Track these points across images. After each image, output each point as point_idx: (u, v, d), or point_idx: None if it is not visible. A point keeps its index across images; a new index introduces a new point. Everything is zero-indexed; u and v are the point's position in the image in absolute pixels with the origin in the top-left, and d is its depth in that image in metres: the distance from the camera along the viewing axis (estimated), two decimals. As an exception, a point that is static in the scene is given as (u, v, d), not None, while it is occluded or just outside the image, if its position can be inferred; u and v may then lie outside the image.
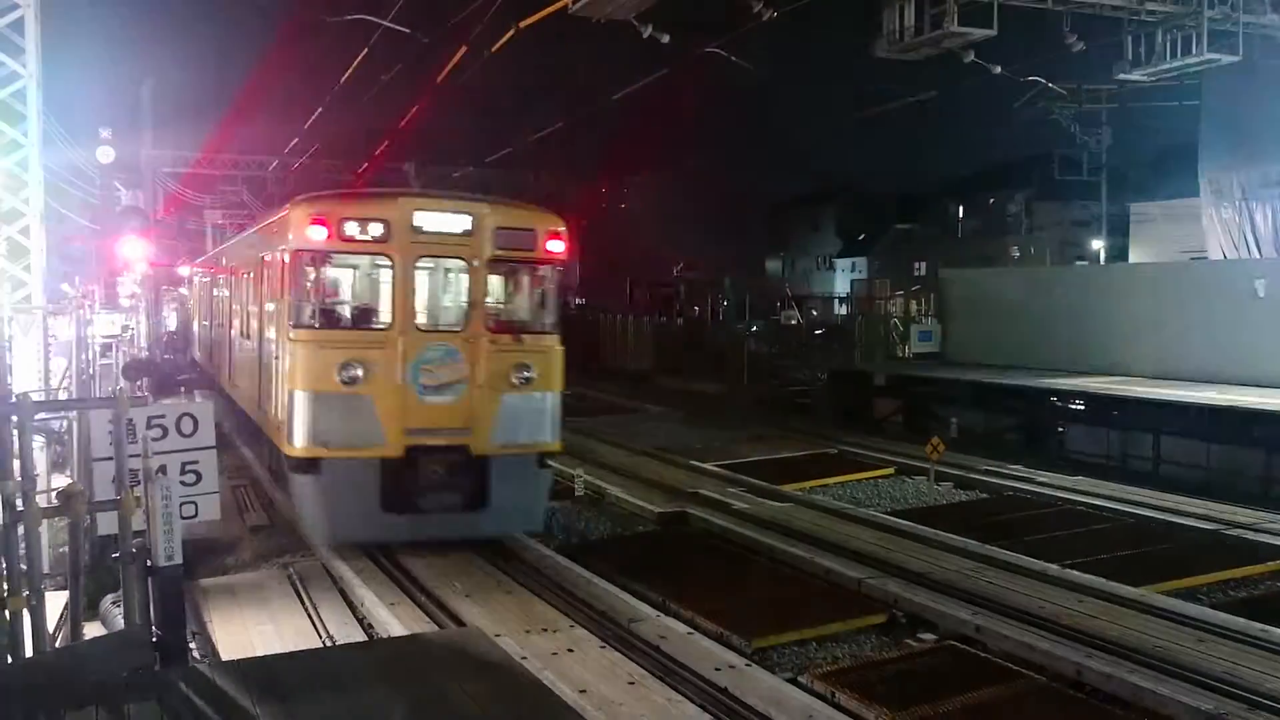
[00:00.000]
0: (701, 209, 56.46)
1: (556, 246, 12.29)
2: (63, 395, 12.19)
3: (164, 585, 4.97)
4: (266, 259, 14.03)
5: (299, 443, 11.51)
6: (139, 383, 17.56)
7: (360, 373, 11.36)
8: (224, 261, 20.94)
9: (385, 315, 11.96)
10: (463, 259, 11.97)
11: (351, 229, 11.62)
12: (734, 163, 53.68)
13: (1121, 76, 19.30)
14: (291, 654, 5.49)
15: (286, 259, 12.26)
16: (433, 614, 9.89)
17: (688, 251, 44.19)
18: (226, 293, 19.76)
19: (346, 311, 12.51)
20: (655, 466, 17.62)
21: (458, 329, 11.95)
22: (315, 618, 10.22)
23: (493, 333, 11.93)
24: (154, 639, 4.99)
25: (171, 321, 40.48)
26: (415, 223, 11.72)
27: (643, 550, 12.86)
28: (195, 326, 31.69)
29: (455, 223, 11.93)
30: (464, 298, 12.13)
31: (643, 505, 14.65)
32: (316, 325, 11.73)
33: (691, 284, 38.31)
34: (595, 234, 57.81)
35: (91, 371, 15.16)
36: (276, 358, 12.72)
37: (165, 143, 37.53)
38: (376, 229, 11.65)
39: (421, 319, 11.94)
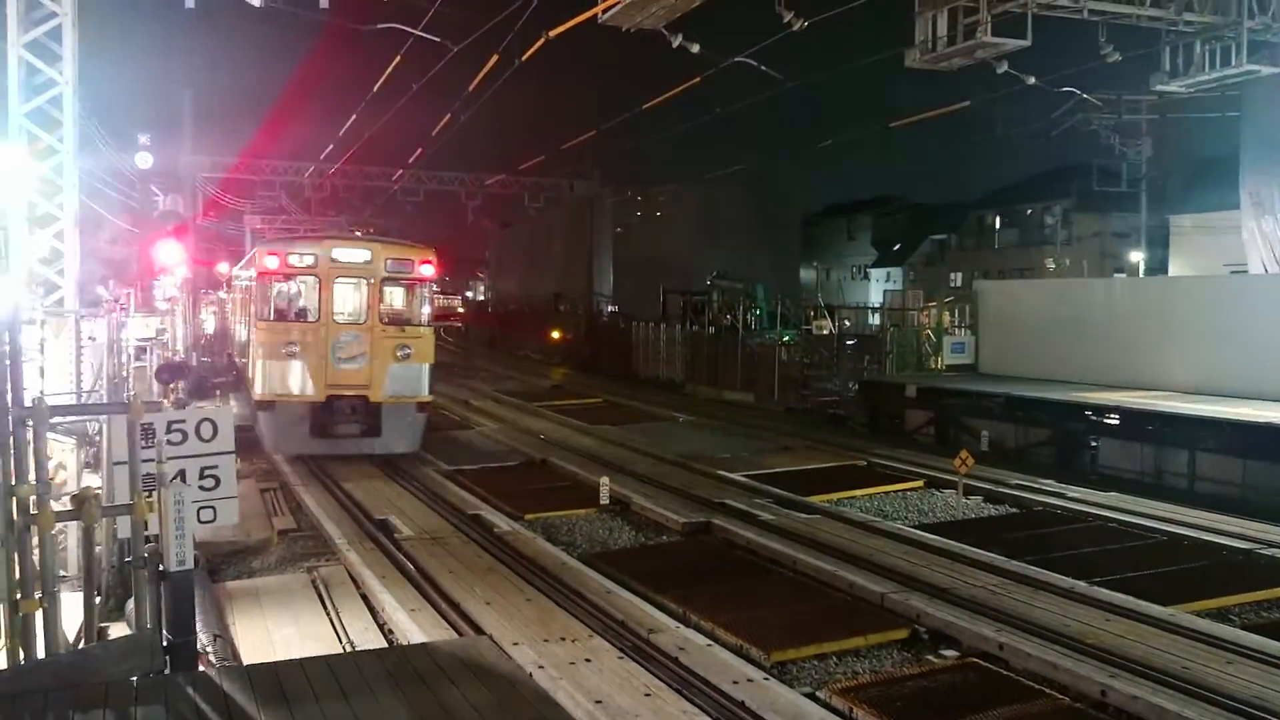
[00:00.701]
0: (736, 218, 56.29)
1: (427, 270, 18.74)
2: (95, 398, 12.33)
3: (175, 590, 4.99)
4: (251, 278, 20.78)
5: (261, 391, 18.01)
6: (173, 385, 17.73)
7: (298, 348, 17.64)
8: (239, 278, 27.61)
9: (314, 313, 18.19)
10: (364, 278, 18.25)
11: (294, 260, 18.32)
12: (768, 172, 53.34)
13: (1159, 88, 19.00)
14: (300, 660, 5.50)
15: (256, 278, 19.00)
16: (453, 621, 9.90)
17: (721, 260, 44.03)
18: (240, 301, 26.24)
19: (291, 310, 18.70)
20: (682, 476, 17.55)
21: (361, 322, 18.18)
22: (337, 623, 10.29)
23: (384, 325, 18.21)
24: (165, 643, 5.02)
25: (210, 324, 40.98)
26: (334, 256, 18.20)
27: (665, 560, 12.80)
28: (230, 329, 32.46)
29: (359, 255, 18.47)
30: (365, 302, 18.33)
31: (667, 515, 14.60)
32: (272, 319, 18.34)
33: (725, 292, 38.06)
34: (629, 242, 57.98)
35: (125, 374, 15.35)
36: (251, 340, 19.65)
37: (205, 149, 38.00)
38: (309, 260, 18.19)
39: (338, 315, 18.16)
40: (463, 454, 20.13)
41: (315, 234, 25.26)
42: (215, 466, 6.76)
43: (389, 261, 18.40)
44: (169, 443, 6.51)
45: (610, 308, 51.04)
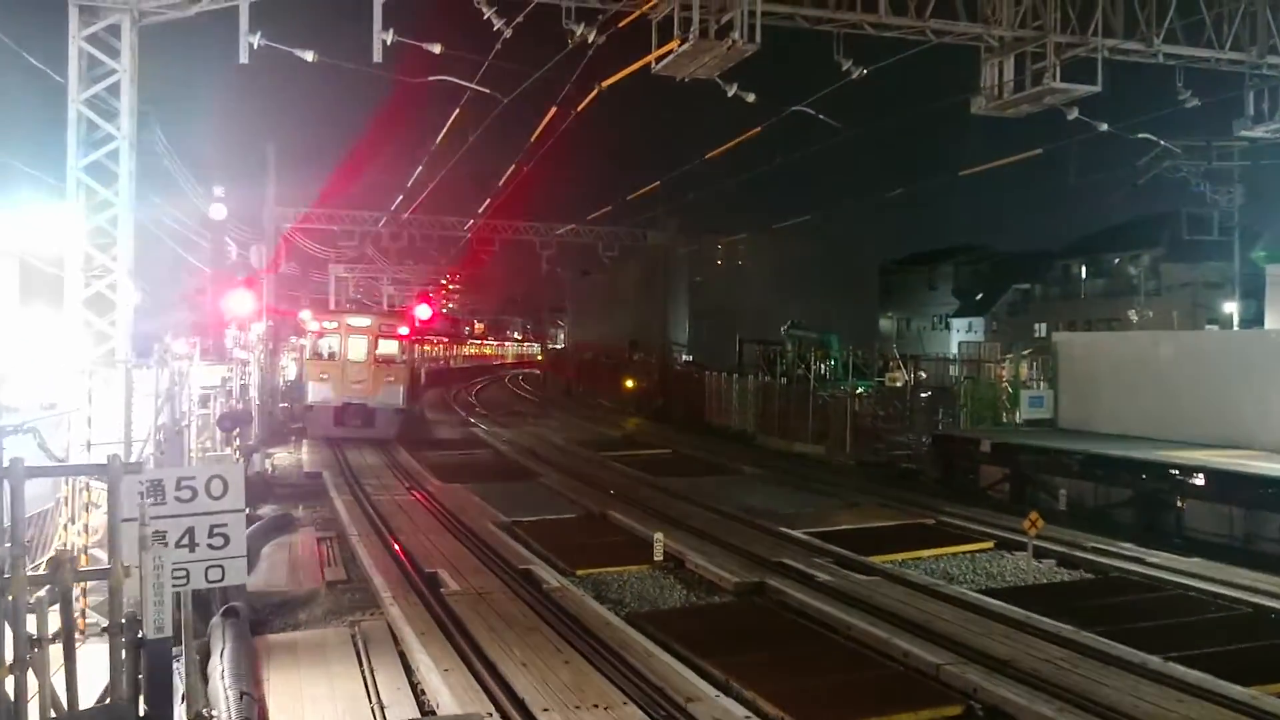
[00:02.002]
0: (813, 267, 55.74)
1: (404, 330, 31.88)
2: (149, 449, 12.41)
3: (152, 659, 4.81)
4: (306, 333, 34.34)
5: (308, 400, 30.95)
6: (234, 432, 17.94)
7: (328, 376, 30.30)
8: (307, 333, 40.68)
9: (338, 354, 30.62)
10: (367, 335, 30.85)
11: (327, 324, 31.80)
12: (845, 220, 52.65)
13: (1244, 133, 18.19)
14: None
15: (308, 334, 33.08)
16: (485, 683, 9.61)
17: (798, 310, 43.47)
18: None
19: (325, 352, 30.89)
20: (742, 532, 17.08)
21: (364, 360, 30.48)
22: (370, 682, 10.06)
23: (377, 363, 30.55)
24: (141, 715, 4.83)
25: (291, 371, 41.65)
26: (349, 322, 31.59)
27: (714, 622, 12.38)
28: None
29: (363, 322, 31.90)
30: (367, 349, 30.66)
31: (720, 574, 14.15)
32: (313, 358, 31.03)
33: (798, 342, 37.47)
34: (705, 290, 57.80)
35: (185, 424, 15.51)
36: (303, 370, 33.11)
37: (285, 199, 39.04)
38: (334, 324, 31.55)
39: (351, 357, 30.46)
40: (522, 505, 19.94)
41: (339, 309, 41.14)
42: (224, 525, 6.60)
43: (381, 325, 31.79)
44: (178, 500, 6.39)
45: (685, 357, 50.74)
